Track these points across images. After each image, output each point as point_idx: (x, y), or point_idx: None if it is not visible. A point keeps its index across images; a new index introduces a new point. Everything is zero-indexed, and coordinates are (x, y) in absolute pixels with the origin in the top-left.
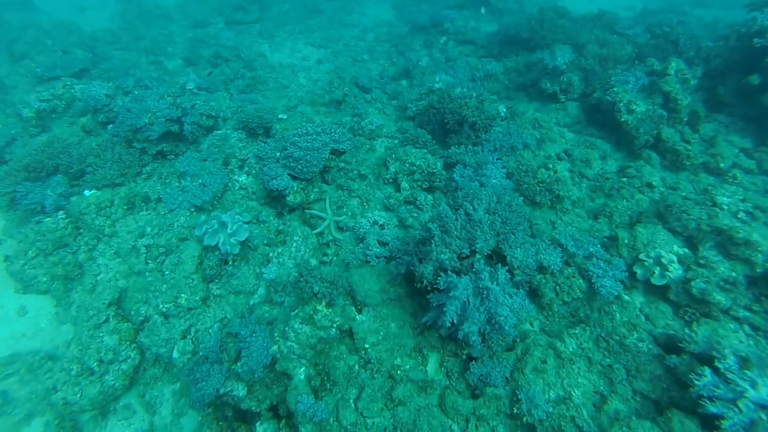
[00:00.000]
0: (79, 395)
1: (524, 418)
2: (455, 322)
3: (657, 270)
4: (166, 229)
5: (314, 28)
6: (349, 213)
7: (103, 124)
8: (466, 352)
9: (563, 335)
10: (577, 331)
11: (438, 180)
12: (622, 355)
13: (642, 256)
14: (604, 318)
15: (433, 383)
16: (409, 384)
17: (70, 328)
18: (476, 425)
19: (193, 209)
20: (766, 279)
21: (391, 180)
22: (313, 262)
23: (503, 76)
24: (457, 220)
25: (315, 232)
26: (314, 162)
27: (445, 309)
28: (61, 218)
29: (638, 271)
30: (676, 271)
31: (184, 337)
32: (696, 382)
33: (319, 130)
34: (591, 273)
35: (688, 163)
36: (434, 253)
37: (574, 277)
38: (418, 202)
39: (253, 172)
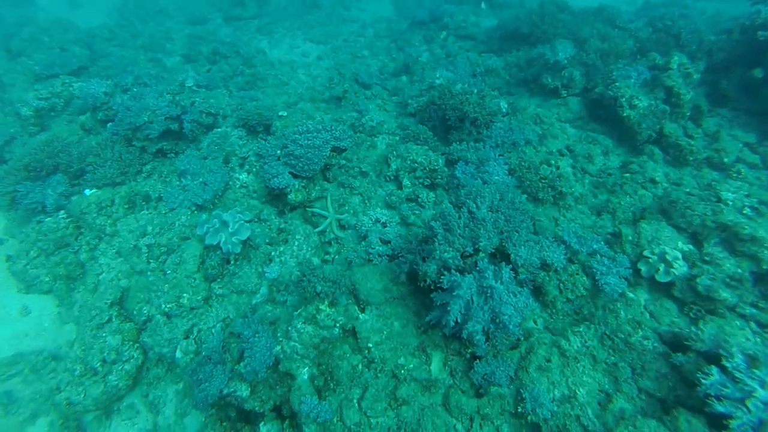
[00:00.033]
0: (82, 395)
1: (529, 417)
2: (459, 321)
3: (661, 267)
4: (167, 228)
5: (313, 24)
6: (351, 211)
7: (102, 122)
8: (470, 350)
9: (567, 333)
10: (581, 329)
11: (440, 177)
12: (628, 353)
13: (646, 253)
14: (609, 316)
15: (437, 382)
16: (413, 383)
17: (73, 328)
18: (480, 424)
19: (194, 208)
20: None
21: (392, 177)
22: (316, 260)
23: (504, 72)
24: (460, 218)
25: (317, 230)
26: (315, 160)
27: (448, 308)
28: (62, 218)
29: (642, 268)
30: (680, 267)
31: (186, 337)
32: (703, 381)
33: (320, 127)
34: (595, 270)
35: (691, 159)
36: (437, 251)
37: (577, 274)
38: (420, 200)
39: (254, 170)
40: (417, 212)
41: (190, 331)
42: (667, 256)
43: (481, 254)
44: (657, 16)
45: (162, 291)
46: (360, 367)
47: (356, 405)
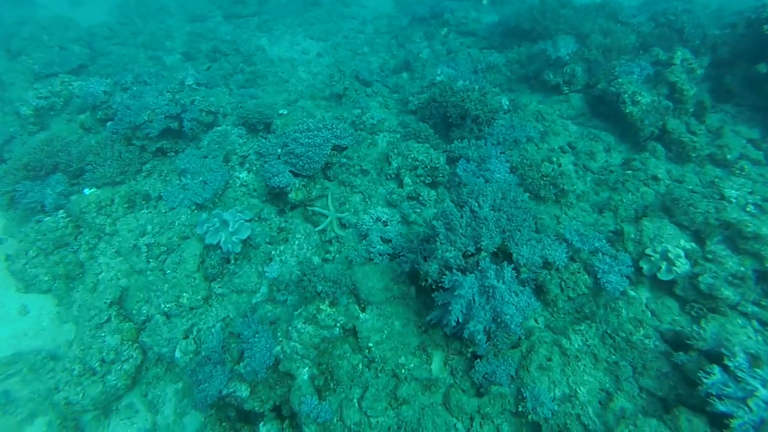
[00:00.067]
0: (81, 395)
1: (529, 417)
2: (460, 320)
3: (664, 265)
4: (167, 227)
5: (313, 21)
6: (352, 209)
7: (101, 121)
8: (470, 350)
9: (568, 332)
10: (582, 328)
11: (441, 175)
12: (629, 352)
13: (648, 251)
14: (610, 314)
15: (438, 382)
16: (414, 383)
17: (72, 328)
18: (481, 424)
19: (194, 207)
20: None
21: (393, 175)
22: (316, 259)
23: (505, 68)
24: (462, 217)
25: (317, 229)
26: (316, 158)
27: (450, 308)
28: (62, 217)
29: (644, 266)
30: (683, 266)
31: (186, 337)
32: (705, 380)
33: (321, 125)
34: (596, 268)
35: (694, 155)
36: (439, 251)
37: (579, 272)
38: (421, 198)
39: (254, 168)
40: (418, 211)
41: (189, 330)
42: (670, 254)
43: (483, 253)
44: (660, 10)
45: (161, 290)
46: (360, 366)
47: (356, 404)
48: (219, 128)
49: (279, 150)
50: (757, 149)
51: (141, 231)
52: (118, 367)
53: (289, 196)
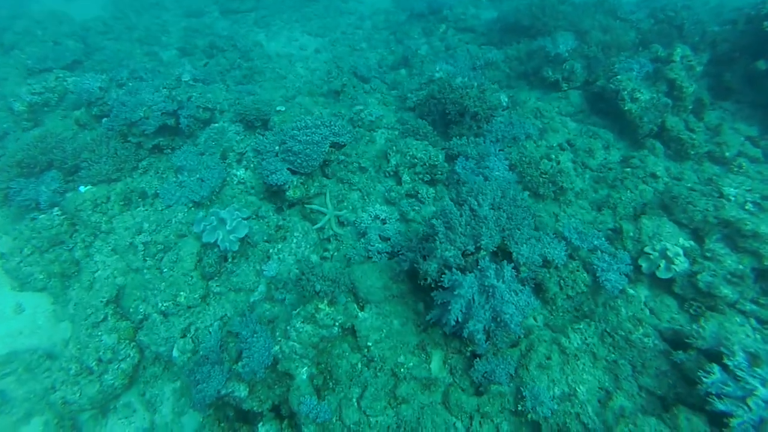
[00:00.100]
0: (78, 394)
1: (529, 416)
2: (460, 320)
3: (662, 263)
4: (163, 225)
5: (311, 16)
6: (350, 207)
7: (97, 117)
8: (470, 349)
9: (568, 330)
10: (581, 326)
11: (440, 172)
12: (628, 351)
13: (647, 249)
14: (609, 313)
15: (437, 381)
16: (413, 382)
17: (68, 326)
18: (480, 423)
19: (191, 205)
20: None
21: (392, 173)
22: (314, 258)
23: (504, 65)
24: (461, 216)
25: (315, 227)
26: (314, 156)
27: (449, 307)
28: (57, 215)
29: (643, 265)
30: (681, 264)
31: (183, 336)
32: (704, 379)
33: (319, 122)
34: (595, 266)
35: (692, 153)
36: (438, 250)
37: (578, 270)
38: (419, 196)
39: (252, 166)
40: (417, 208)
41: (187, 329)
42: (669, 253)
43: (483, 252)
44: (659, 6)
45: (158, 289)
46: (359, 365)
47: (355, 404)
48: (216, 125)
49: (277, 147)
50: (755, 146)
51: (137, 229)
52: (115, 367)
53: (287, 193)
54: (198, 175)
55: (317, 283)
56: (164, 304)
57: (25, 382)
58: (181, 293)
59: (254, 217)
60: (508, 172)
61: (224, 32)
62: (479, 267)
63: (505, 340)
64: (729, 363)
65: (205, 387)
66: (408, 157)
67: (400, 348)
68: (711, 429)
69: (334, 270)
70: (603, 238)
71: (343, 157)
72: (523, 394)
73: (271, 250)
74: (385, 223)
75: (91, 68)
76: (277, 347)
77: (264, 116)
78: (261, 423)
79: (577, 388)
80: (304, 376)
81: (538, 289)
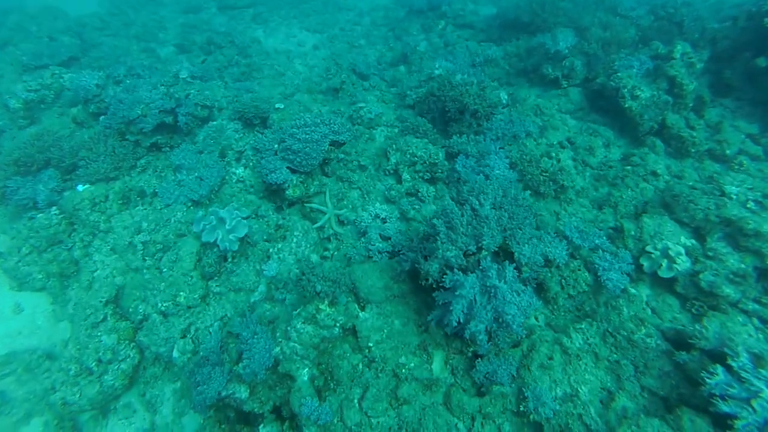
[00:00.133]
0: (78, 395)
1: (531, 416)
2: (462, 321)
3: (664, 262)
4: (162, 224)
5: (309, 12)
6: (350, 206)
7: (94, 115)
8: (471, 349)
9: (569, 330)
10: (583, 326)
11: (440, 171)
12: (630, 351)
13: (649, 248)
14: (611, 312)
15: (439, 381)
16: (414, 382)
17: (68, 326)
18: (482, 423)
19: (190, 204)
20: None
21: (392, 171)
22: (314, 257)
23: (503, 61)
24: (463, 216)
25: (315, 226)
26: (314, 154)
27: (451, 308)
28: (55, 214)
29: (645, 264)
30: (683, 263)
31: (183, 336)
32: (708, 380)
33: (318, 121)
34: (597, 266)
35: (693, 150)
36: (440, 250)
37: (579, 270)
38: (420, 194)
39: (251, 164)
40: (417, 207)
41: (187, 330)
42: (670, 252)
43: (484, 252)
44: (659, 3)
45: (158, 289)
46: (360, 366)
47: (357, 405)
48: (214, 123)
49: (276, 146)
50: (756, 144)
51: (136, 228)
52: (115, 367)
53: (287, 192)
54: (197, 174)
55: (318, 283)
56: (164, 305)
57: (25, 382)
58: (181, 293)
59: (254, 216)
60: (509, 170)
61: (222, 28)
62: (481, 267)
63: (506, 341)
64: (733, 364)
65: (205, 389)
66: (408, 155)
67: (401, 348)
68: (715, 431)
69: (335, 270)
70: (604, 237)
71: (342, 156)
72: (525, 394)
73: (271, 250)
74: (385, 222)
75: (88, 65)
76: (277, 348)
77: (263, 114)
78: (262, 424)
79: (579, 389)
80: (305, 378)
81: (540, 289)
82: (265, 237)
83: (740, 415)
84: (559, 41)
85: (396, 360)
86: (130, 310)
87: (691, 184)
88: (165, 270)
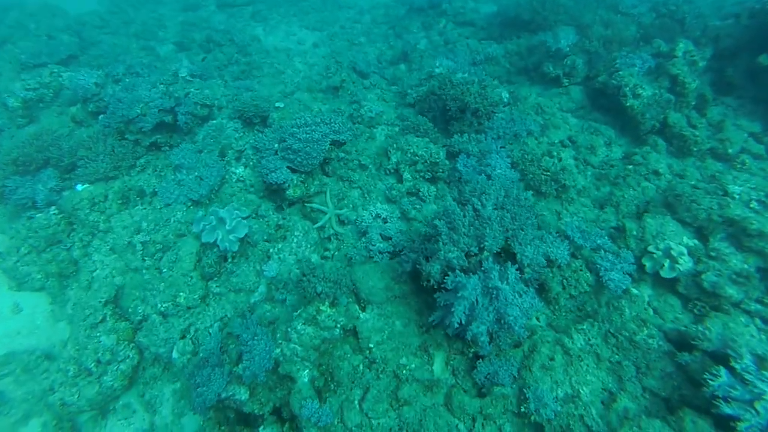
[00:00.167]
0: (76, 396)
1: (532, 417)
2: (463, 322)
3: (666, 262)
4: (162, 224)
5: (308, 10)
6: (350, 205)
7: (93, 114)
8: (472, 350)
9: (571, 331)
10: (584, 327)
11: (441, 170)
12: (632, 352)
13: (651, 248)
14: (613, 313)
15: (439, 382)
16: (415, 383)
17: (67, 326)
18: (483, 424)
19: (189, 203)
20: None
21: (392, 170)
22: (315, 257)
23: (504, 60)
24: (464, 216)
25: (316, 226)
26: (314, 154)
27: (452, 309)
28: (54, 214)
29: (647, 264)
30: (686, 263)
31: (183, 337)
32: (711, 382)
33: (318, 120)
34: (598, 266)
35: (695, 149)
36: (442, 251)
37: (581, 270)
38: (420, 194)
39: (251, 163)
40: (418, 207)
41: (186, 330)
42: (672, 252)
43: (486, 253)
44: (660, 0)
45: (158, 289)
46: (361, 367)
47: (357, 406)
48: (214, 122)
49: (276, 145)
50: (758, 143)
51: (136, 228)
52: (115, 368)
53: (287, 192)
54: (197, 173)
55: (318, 284)
56: (163, 305)
57: (24, 383)
58: (181, 294)
59: (254, 216)
60: (510, 170)
61: (221, 26)
62: (483, 268)
63: (508, 342)
64: (736, 366)
65: (205, 390)
66: (409, 155)
67: (402, 349)
68: None
69: (336, 270)
70: (606, 237)
71: (343, 155)
72: (526, 395)
73: (271, 250)
74: (386, 222)
75: (87, 63)
76: (278, 350)
77: (263, 113)
78: (262, 426)
79: (580, 390)
80: (306, 379)
81: (541, 289)
82: (265, 237)
83: (743, 418)
84: (560, 39)
85: (397, 361)
86: (130, 310)
87: (693, 183)
88: (165, 270)
